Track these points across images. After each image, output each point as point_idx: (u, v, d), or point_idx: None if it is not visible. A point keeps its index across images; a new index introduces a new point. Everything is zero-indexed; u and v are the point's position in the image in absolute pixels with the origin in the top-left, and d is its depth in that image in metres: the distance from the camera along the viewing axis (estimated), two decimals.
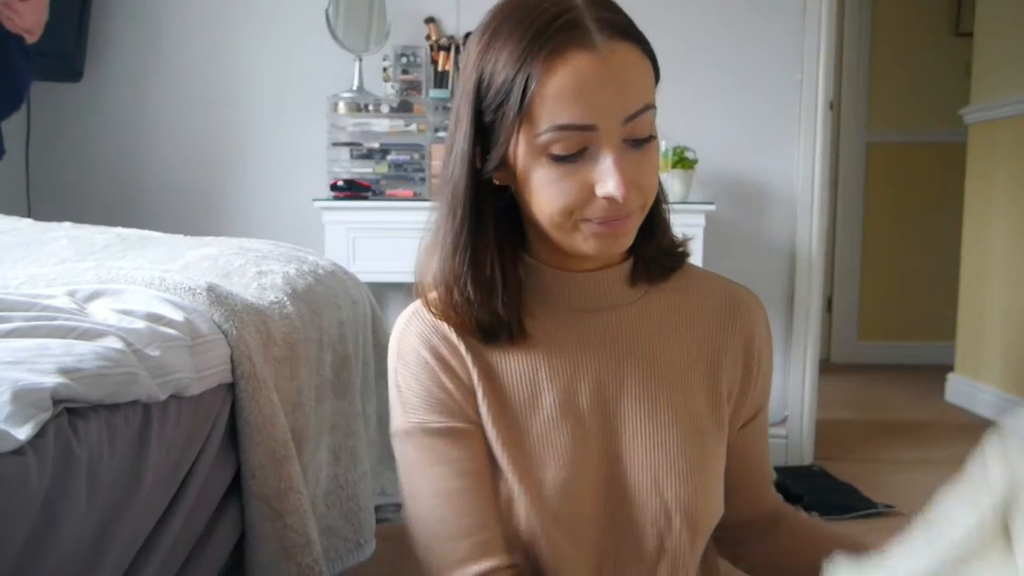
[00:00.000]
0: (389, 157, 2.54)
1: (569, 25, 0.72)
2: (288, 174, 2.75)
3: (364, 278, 1.64)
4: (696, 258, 2.39)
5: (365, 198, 2.47)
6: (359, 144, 2.55)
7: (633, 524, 0.82)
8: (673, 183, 2.47)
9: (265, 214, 2.76)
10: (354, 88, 2.57)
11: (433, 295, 0.83)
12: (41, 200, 2.71)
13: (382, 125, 2.54)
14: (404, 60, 2.65)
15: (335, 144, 2.55)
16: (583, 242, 0.77)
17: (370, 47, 2.59)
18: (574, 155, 0.73)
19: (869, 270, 4.35)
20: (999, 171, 3.22)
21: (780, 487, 2.29)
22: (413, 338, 0.83)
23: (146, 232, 1.52)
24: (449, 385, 0.82)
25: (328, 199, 2.46)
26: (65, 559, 0.64)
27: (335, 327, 1.31)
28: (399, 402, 0.83)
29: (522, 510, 0.81)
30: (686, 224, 2.40)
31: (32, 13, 1.80)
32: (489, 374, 0.83)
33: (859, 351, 4.35)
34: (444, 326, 0.83)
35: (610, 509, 0.82)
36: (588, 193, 0.74)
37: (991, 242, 3.27)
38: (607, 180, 0.72)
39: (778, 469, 2.49)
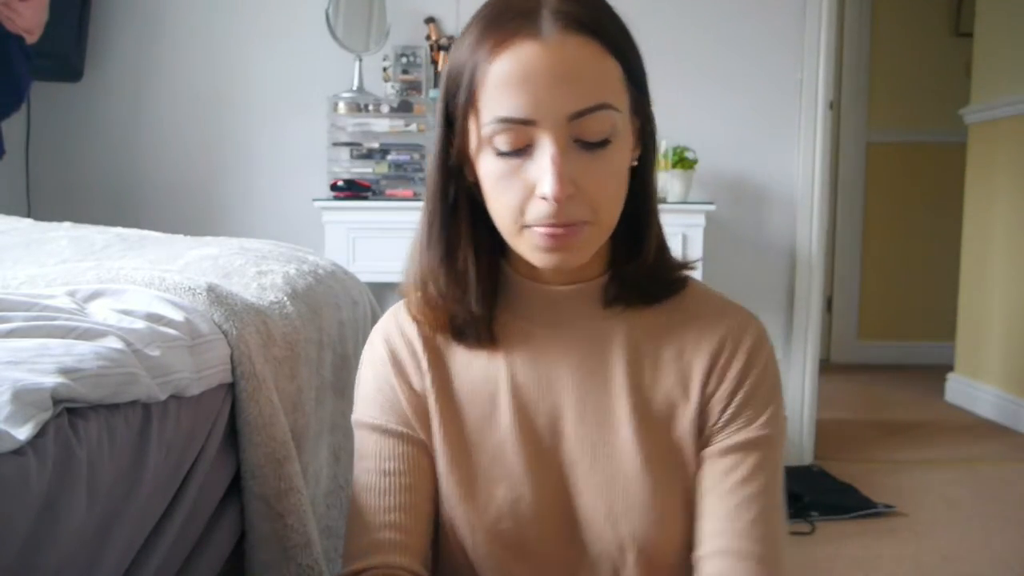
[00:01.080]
0: (389, 157, 2.54)
1: (522, 14, 0.69)
2: (288, 174, 2.75)
3: (364, 278, 1.64)
4: (696, 258, 2.39)
5: (365, 198, 2.47)
6: (359, 144, 2.55)
7: (586, 552, 0.78)
8: (673, 183, 2.47)
9: (265, 214, 2.76)
10: (354, 88, 2.57)
11: (417, 295, 0.81)
12: (41, 200, 2.72)
13: (382, 125, 2.54)
14: (404, 60, 2.65)
15: (335, 144, 2.55)
16: (530, 253, 0.73)
17: (370, 47, 2.60)
18: (518, 151, 0.69)
19: (869, 270, 4.35)
20: (999, 171, 3.22)
21: None
22: (380, 334, 0.84)
23: (146, 232, 1.52)
24: (398, 388, 0.81)
25: (328, 199, 2.46)
26: (65, 559, 0.64)
27: (335, 327, 1.31)
28: (357, 391, 0.85)
29: (469, 527, 0.79)
30: (686, 224, 2.40)
31: (32, 13, 1.80)
32: (446, 384, 0.81)
33: (859, 351, 4.35)
34: (412, 330, 0.82)
35: (564, 534, 0.79)
36: (529, 193, 0.70)
37: (991, 242, 3.27)
38: (542, 179, 0.68)
39: None
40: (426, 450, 0.81)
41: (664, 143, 2.47)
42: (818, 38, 2.64)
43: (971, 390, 3.36)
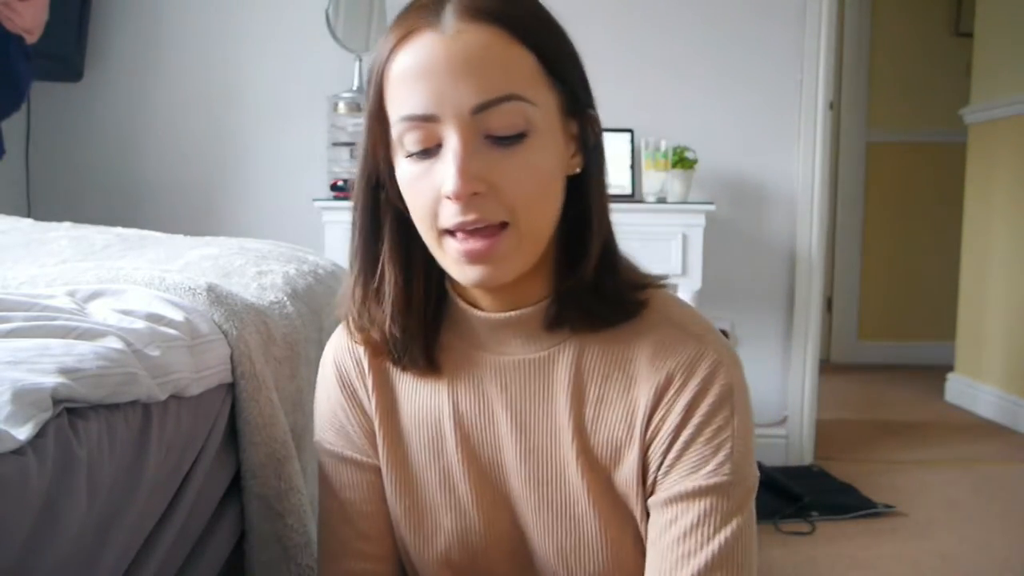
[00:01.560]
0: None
1: (426, 7, 0.65)
2: (288, 174, 2.75)
3: None
4: (696, 258, 2.39)
5: None
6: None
7: None
8: (673, 183, 2.47)
9: (265, 214, 2.76)
10: (354, 88, 2.57)
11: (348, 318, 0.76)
12: (41, 200, 2.72)
13: None
14: None
15: (335, 144, 2.55)
16: (452, 267, 0.67)
17: (370, 47, 2.60)
18: (427, 151, 0.65)
19: (869, 270, 4.35)
20: (999, 171, 3.22)
21: (780, 487, 2.29)
22: (331, 354, 0.82)
23: (146, 232, 1.52)
24: (349, 413, 0.80)
25: (328, 199, 2.46)
26: (65, 559, 0.64)
27: (335, 327, 1.31)
28: (315, 411, 0.84)
29: (418, 556, 0.78)
30: (686, 224, 2.40)
31: (32, 13, 1.80)
32: (392, 408, 0.78)
33: (859, 351, 4.35)
34: (359, 357, 0.78)
35: (516, 566, 0.76)
36: (439, 195, 0.65)
37: (991, 242, 3.27)
38: (446, 176, 0.63)
39: (778, 469, 2.49)
40: (376, 477, 0.80)
41: (664, 143, 2.47)
42: (818, 38, 2.64)
43: (971, 390, 3.36)
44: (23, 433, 0.61)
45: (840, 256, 4.33)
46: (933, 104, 4.11)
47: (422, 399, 0.77)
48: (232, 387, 0.99)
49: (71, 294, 0.96)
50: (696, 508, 0.68)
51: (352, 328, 0.76)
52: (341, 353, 0.80)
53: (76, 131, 2.78)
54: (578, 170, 0.71)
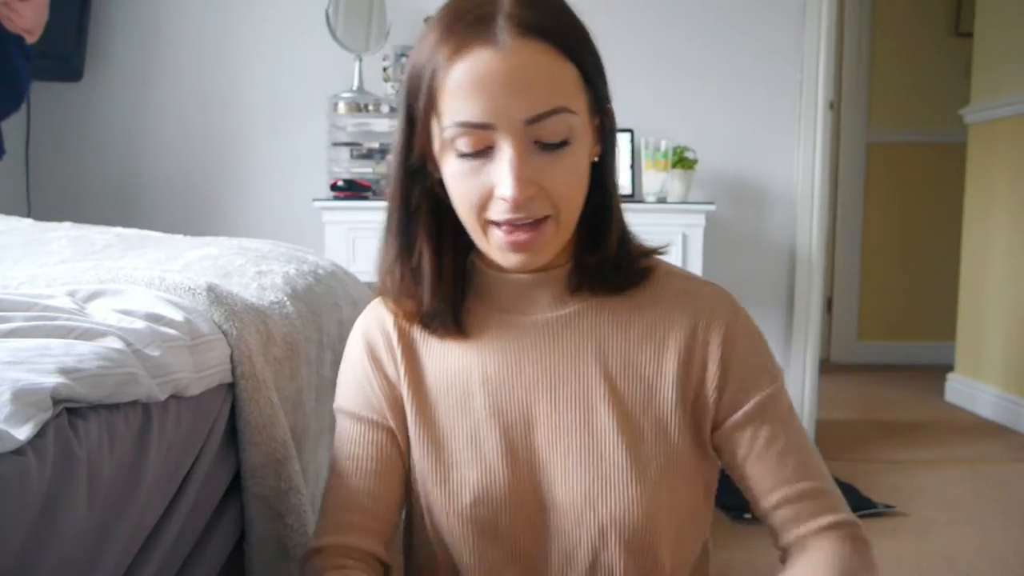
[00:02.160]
0: (389, 157, 2.54)
1: (479, 20, 0.71)
2: (288, 174, 2.75)
3: (364, 278, 1.64)
4: (696, 258, 2.39)
5: (365, 198, 2.47)
6: (359, 144, 2.55)
7: (565, 535, 0.79)
8: (673, 183, 2.47)
9: (265, 214, 2.77)
10: (354, 88, 2.57)
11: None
12: (41, 200, 2.72)
13: (382, 125, 2.54)
14: (404, 60, 2.64)
15: (335, 144, 2.55)
16: (495, 251, 0.76)
17: (370, 47, 2.60)
18: (478, 152, 0.72)
19: (869, 270, 4.35)
20: (999, 171, 3.22)
21: None
22: (360, 327, 0.88)
23: (146, 232, 1.52)
24: (374, 380, 0.85)
25: (328, 199, 2.46)
26: (65, 559, 0.64)
27: (335, 327, 1.31)
28: (339, 379, 0.90)
29: (443, 512, 0.81)
30: (686, 224, 2.40)
31: (32, 13, 1.80)
32: (420, 374, 0.84)
33: (859, 351, 4.35)
34: (390, 322, 0.85)
35: (538, 520, 0.80)
36: (490, 193, 0.73)
37: (991, 242, 3.27)
38: (502, 181, 0.71)
39: None
40: (397, 439, 0.85)
41: (664, 143, 2.47)
42: (818, 38, 2.64)
43: (971, 390, 3.36)
44: (23, 433, 0.61)
45: (840, 256, 4.33)
46: (933, 104, 4.11)
47: (449, 363, 0.84)
48: (232, 387, 0.99)
49: (71, 294, 0.96)
50: (767, 415, 0.80)
51: (391, 302, 0.84)
52: (371, 326, 0.87)
53: (76, 131, 2.78)
54: (595, 159, 0.79)
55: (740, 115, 2.68)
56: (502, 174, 0.71)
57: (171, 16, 2.75)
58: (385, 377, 0.85)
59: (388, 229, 0.82)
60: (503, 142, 0.71)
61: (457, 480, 0.81)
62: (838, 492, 0.83)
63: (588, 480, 0.78)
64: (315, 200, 2.45)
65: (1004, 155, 3.19)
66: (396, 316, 0.85)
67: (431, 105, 0.73)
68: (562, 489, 0.79)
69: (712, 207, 2.44)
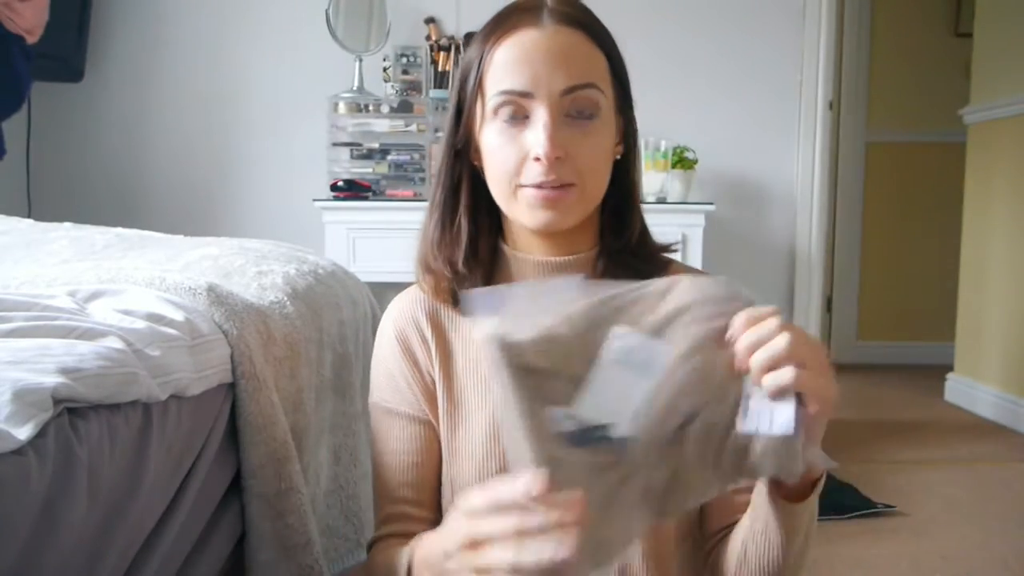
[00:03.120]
0: (389, 157, 2.54)
1: (525, 10, 0.81)
2: (288, 174, 2.75)
3: (364, 278, 1.64)
4: (696, 258, 2.39)
5: (365, 198, 2.47)
6: (359, 144, 2.55)
7: None
8: (673, 183, 2.47)
9: (265, 214, 2.77)
10: (354, 88, 2.57)
11: (423, 265, 0.89)
12: (41, 200, 2.72)
13: (382, 125, 2.54)
14: (404, 60, 2.65)
15: (335, 144, 2.55)
16: (523, 213, 0.82)
17: (370, 47, 2.60)
18: (517, 120, 0.80)
19: (869, 270, 4.35)
20: (999, 171, 3.22)
21: None
22: (391, 320, 0.92)
23: (146, 232, 1.52)
24: (407, 371, 0.89)
25: (328, 199, 2.46)
26: (65, 559, 0.64)
27: (335, 327, 1.31)
28: (372, 373, 0.93)
29: (468, 485, 0.82)
30: (686, 224, 2.40)
31: (33, 14, 1.80)
32: (449, 353, 0.89)
33: (859, 351, 4.35)
34: (420, 312, 0.90)
35: None
36: (525, 157, 0.80)
37: (991, 242, 3.27)
38: (536, 143, 0.78)
39: None
40: (432, 427, 0.89)
41: (664, 143, 2.47)
42: (817, 39, 2.64)
43: (971, 390, 3.36)
44: (23, 433, 0.61)
45: (840, 256, 4.33)
46: (933, 104, 4.11)
47: (476, 345, 0.87)
48: (232, 387, 0.99)
49: (71, 294, 0.96)
50: None
51: (425, 280, 0.89)
52: (402, 320, 0.91)
53: (76, 131, 2.78)
54: (618, 157, 0.88)
55: (740, 115, 2.68)
56: (537, 135, 0.78)
57: (171, 16, 2.75)
58: (417, 367, 0.89)
59: (432, 203, 0.89)
60: (540, 109, 0.79)
61: (482, 459, 0.85)
62: None
63: None
64: (315, 200, 2.45)
65: (1004, 155, 3.19)
66: (428, 296, 0.90)
67: (478, 86, 0.82)
68: None
69: (712, 207, 2.44)
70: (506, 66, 0.80)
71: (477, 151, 0.85)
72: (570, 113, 0.80)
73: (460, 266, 0.86)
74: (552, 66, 0.79)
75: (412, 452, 0.89)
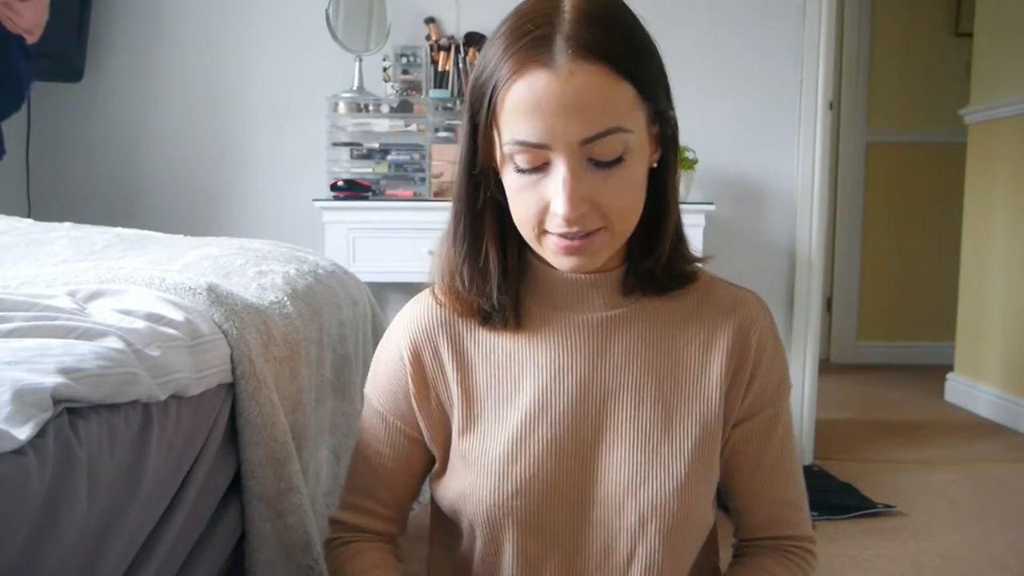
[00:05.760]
0: (389, 157, 2.54)
1: (537, 41, 0.72)
2: (288, 174, 2.75)
3: (364, 278, 1.64)
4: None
5: (365, 198, 2.47)
6: (359, 144, 2.55)
7: (605, 527, 0.82)
8: None
9: (265, 214, 2.76)
10: (354, 88, 2.57)
11: (443, 284, 0.87)
12: (41, 200, 2.72)
13: (382, 125, 2.54)
14: (404, 60, 2.65)
15: (335, 144, 2.55)
16: (551, 256, 0.79)
17: (370, 47, 2.60)
18: (535, 168, 0.75)
19: (869, 270, 4.35)
20: (999, 171, 3.22)
21: None
22: (404, 329, 0.89)
23: (146, 232, 1.52)
24: (410, 388, 0.87)
25: (328, 199, 2.46)
26: (65, 559, 0.64)
27: (335, 327, 1.31)
28: (372, 366, 0.92)
29: (483, 504, 0.83)
30: (686, 224, 2.39)
31: (33, 14, 1.80)
32: (468, 368, 0.86)
33: (859, 351, 4.35)
34: (436, 326, 0.87)
35: (583, 510, 0.82)
36: (546, 206, 0.75)
37: (991, 242, 3.27)
38: (556, 199, 0.74)
39: None
40: (419, 444, 0.90)
41: None
42: (817, 38, 2.64)
43: (971, 390, 3.36)
44: (23, 433, 0.61)
45: (840, 256, 4.33)
46: (933, 104, 4.11)
47: (499, 356, 0.86)
48: (232, 387, 0.99)
49: (71, 294, 0.96)
50: (776, 423, 0.89)
51: (445, 296, 0.86)
52: (415, 329, 0.88)
53: (76, 131, 2.78)
54: (654, 165, 0.81)
55: (740, 115, 2.68)
56: (556, 192, 0.74)
57: (171, 16, 2.75)
58: (425, 383, 0.87)
59: (454, 233, 0.84)
60: (558, 160, 0.73)
61: (501, 472, 0.83)
62: (806, 507, 0.92)
63: (631, 473, 0.81)
64: (315, 200, 2.45)
65: (1004, 155, 3.19)
66: (445, 309, 0.87)
67: (493, 118, 0.76)
68: (607, 482, 0.82)
69: (712, 207, 2.44)
70: (518, 114, 0.73)
71: (497, 179, 0.80)
72: (593, 158, 0.74)
73: (494, 300, 0.83)
74: (567, 117, 0.71)
75: (392, 459, 0.90)
